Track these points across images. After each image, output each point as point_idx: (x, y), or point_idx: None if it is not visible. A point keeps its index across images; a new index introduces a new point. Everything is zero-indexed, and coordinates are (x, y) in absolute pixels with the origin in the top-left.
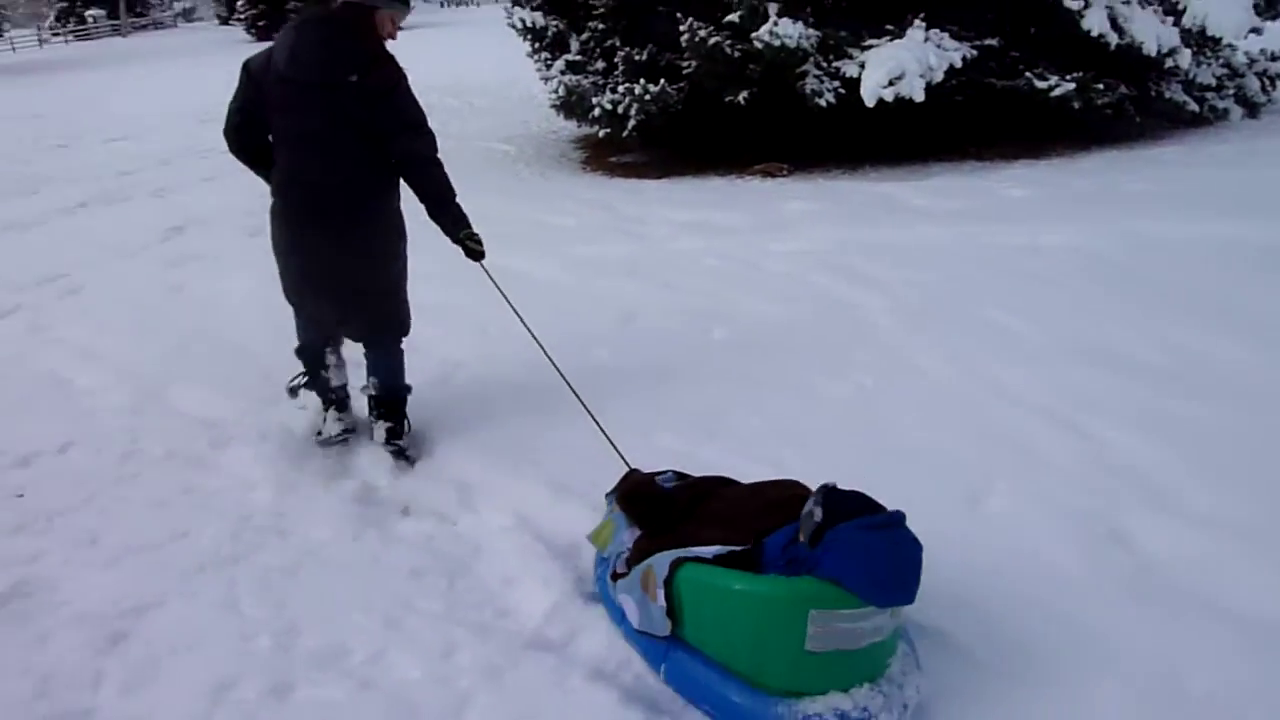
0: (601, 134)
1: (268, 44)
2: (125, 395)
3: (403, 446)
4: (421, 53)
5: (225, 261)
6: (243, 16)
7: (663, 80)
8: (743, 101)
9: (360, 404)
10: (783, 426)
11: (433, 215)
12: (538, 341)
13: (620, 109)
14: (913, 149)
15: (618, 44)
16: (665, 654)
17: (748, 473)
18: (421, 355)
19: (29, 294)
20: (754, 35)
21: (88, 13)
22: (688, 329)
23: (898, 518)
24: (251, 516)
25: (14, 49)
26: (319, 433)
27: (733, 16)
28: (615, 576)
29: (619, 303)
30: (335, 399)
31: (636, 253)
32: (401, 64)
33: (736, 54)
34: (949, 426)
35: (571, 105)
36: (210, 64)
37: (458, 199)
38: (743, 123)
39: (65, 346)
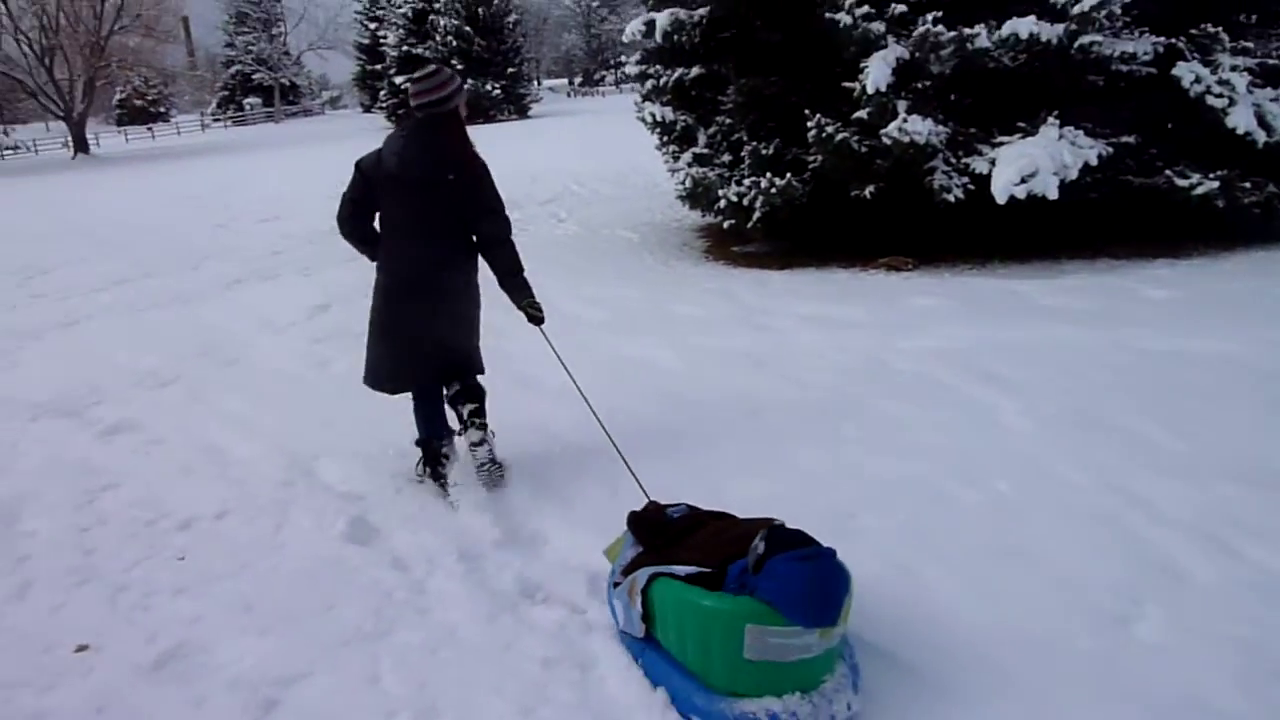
0: (726, 225)
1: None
2: (277, 467)
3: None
4: (550, 140)
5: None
6: (384, 105)
7: (789, 174)
8: (869, 195)
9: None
10: (916, 531)
11: (503, 285)
12: (594, 413)
13: (746, 201)
14: (1043, 245)
15: (744, 138)
16: (642, 651)
17: (879, 576)
18: (549, 437)
19: (190, 364)
20: (882, 131)
21: (246, 101)
22: (814, 425)
23: (827, 552)
24: (393, 593)
25: (179, 133)
26: (447, 475)
27: (861, 113)
28: (615, 585)
29: (743, 395)
30: (443, 480)
31: (760, 344)
32: (530, 150)
33: (864, 149)
34: (1090, 540)
35: (697, 196)
36: (353, 149)
37: (524, 272)
38: (868, 215)
39: (222, 417)
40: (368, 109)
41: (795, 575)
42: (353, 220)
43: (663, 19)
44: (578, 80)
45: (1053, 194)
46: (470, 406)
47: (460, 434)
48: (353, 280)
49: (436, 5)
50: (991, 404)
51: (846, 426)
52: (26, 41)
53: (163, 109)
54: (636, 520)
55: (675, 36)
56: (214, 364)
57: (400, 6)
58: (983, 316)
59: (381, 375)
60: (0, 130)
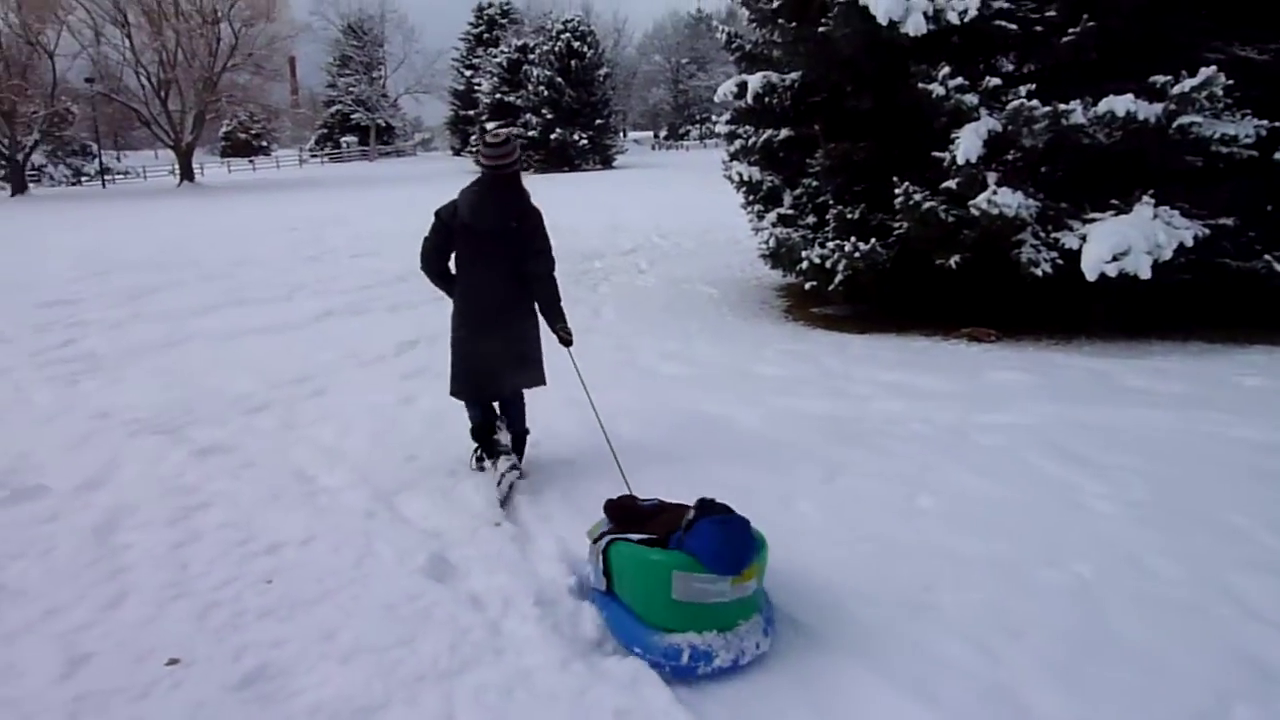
0: (807, 286)
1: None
2: (361, 498)
3: (520, 469)
4: (634, 191)
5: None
6: (474, 149)
7: (873, 239)
8: (953, 265)
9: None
10: (995, 610)
11: (544, 311)
12: (608, 441)
13: (829, 264)
14: (1132, 325)
15: (830, 201)
16: (606, 605)
17: (957, 655)
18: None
19: (282, 391)
20: (971, 202)
21: (343, 139)
22: (891, 494)
23: (741, 519)
24: (469, 631)
25: (278, 166)
26: (507, 475)
27: (950, 183)
28: (589, 553)
29: (821, 459)
30: (503, 451)
31: (838, 409)
32: (614, 201)
33: (951, 219)
34: (1178, 632)
35: (780, 256)
36: (443, 190)
37: (561, 302)
38: (951, 284)
39: (311, 445)
40: (457, 152)
41: (714, 533)
42: (434, 260)
43: (755, 81)
44: (663, 133)
45: (1145, 273)
46: (507, 434)
47: (503, 464)
48: (441, 319)
49: (531, 56)
50: (1075, 485)
51: (924, 498)
52: (145, 74)
53: (264, 143)
54: (610, 505)
55: (766, 99)
56: (304, 393)
57: (496, 56)
58: (1067, 394)
59: (463, 385)
60: (114, 156)
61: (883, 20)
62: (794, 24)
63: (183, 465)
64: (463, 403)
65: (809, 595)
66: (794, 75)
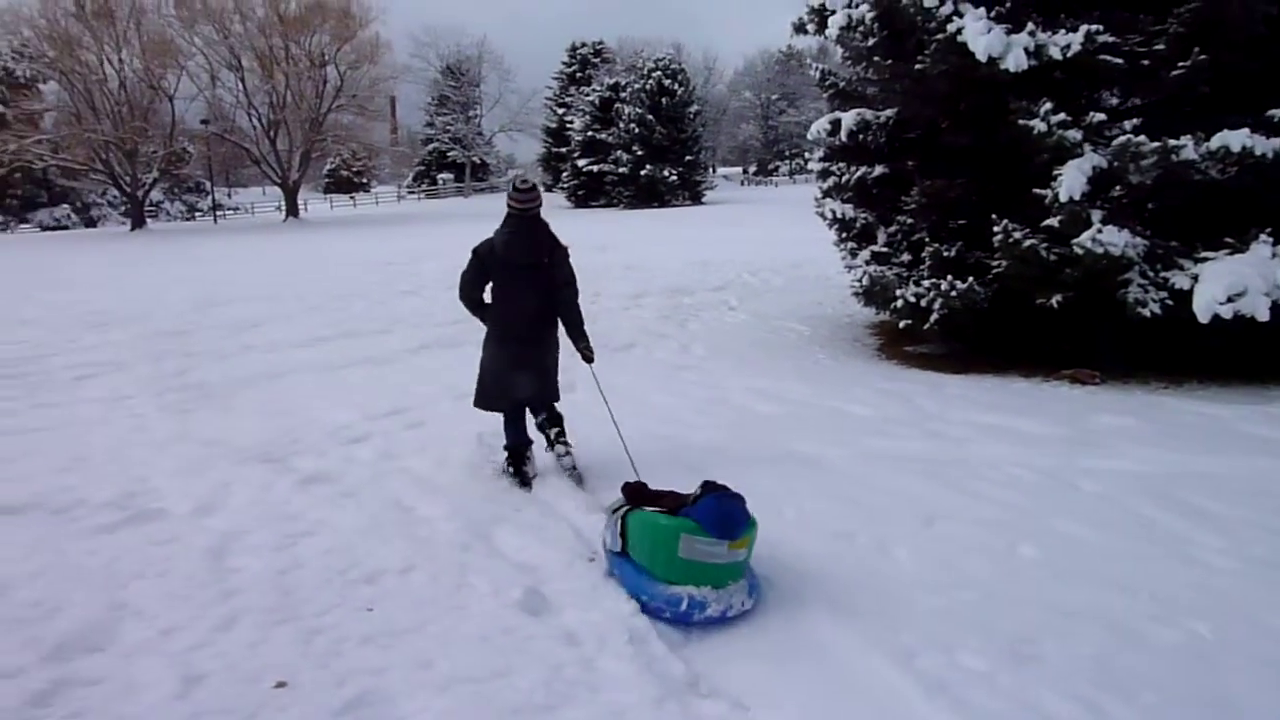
0: (901, 324)
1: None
2: (457, 529)
3: (570, 447)
4: (722, 227)
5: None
6: (565, 186)
7: (970, 278)
8: (1055, 305)
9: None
10: (1103, 667)
11: (570, 331)
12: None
13: (923, 302)
14: (1248, 369)
15: (926, 239)
16: (619, 564)
17: (1061, 712)
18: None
19: (380, 423)
20: (1074, 241)
21: (439, 175)
22: (991, 541)
23: (739, 496)
24: (563, 667)
25: (377, 202)
26: (529, 486)
27: (1051, 221)
28: (607, 524)
29: (916, 502)
30: (528, 479)
31: (934, 451)
32: (702, 237)
33: (1052, 258)
34: None
35: (874, 294)
36: None
37: (584, 324)
38: (1052, 325)
39: (408, 476)
40: (549, 188)
41: (716, 505)
42: (470, 290)
43: (848, 118)
44: (752, 169)
45: (1263, 315)
46: (555, 429)
47: (548, 449)
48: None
49: (623, 94)
50: (1189, 537)
51: (1026, 546)
52: (256, 115)
53: (365, 180)
54: (627, 487)
55: (860, 136)
56: (401, 424)
57: (588, 94)
58: (1179, 441)
59: (490, 398)
60: (226, 193)
61: (981, 56)
62: (889, 61)
63: (288, 493)
64: (504, 424)
65: (908, 646)
66: (889, 112)
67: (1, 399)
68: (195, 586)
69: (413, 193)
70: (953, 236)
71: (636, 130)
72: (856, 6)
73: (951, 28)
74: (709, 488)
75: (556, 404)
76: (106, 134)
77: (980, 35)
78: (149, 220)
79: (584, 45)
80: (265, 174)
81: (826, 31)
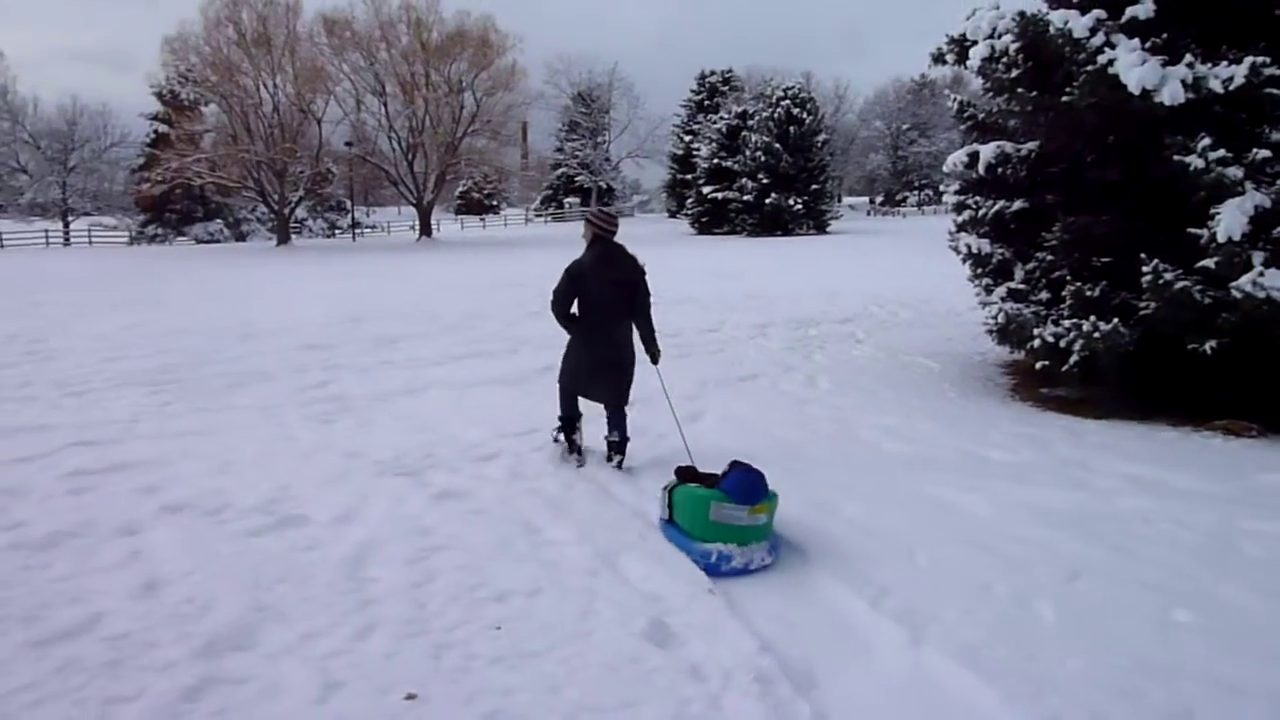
0: (1038, 365)
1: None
2: (584, 554)
3: (622, 456)
4: (848, 258)
5: (666, 443)
6: (690, 212)
7: (1115, 319)
8: (1208, 350)
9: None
10: None
11: (645, 338)
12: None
13: (1063, 343)
14: None
15: (1067, 277)
16: (666, 528)
17: None
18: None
19: (510, 442)
20: (1233, 284)
21: (566, 199)
22: (1142, 603)
23: (759, 472)
24: (689, 703)
25: (505, 224)
26: (579, 464)
27: (1207, 262)
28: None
29: (1059, 556)
30: (578, 448)
31: (1078, 503)
32: (828, 267)
33: (1207, 301)
34: None
35: (1010, 333)
36: (661, 252)
37: (656, 334)
38: (1205, 371)
39: (537, 497)
40: (673, 214)
41: (739, 478)
42: (563, 304)
43: (987, 151)
44: (879, 199)
45: None
46: (616, 436)
47: (609, 460)
48: (657, 383)
49: (750, 122)
50: None
51: (1182, 612)
52: (396, 139)
53: (494, 202)
54: (679, 469)
55: (999, 169)
56: (530, 445)
57: (716, 122)
58: None
59: (577, 385)
60: (364, 211)
61: (1134, 89)
62: (1033, 93)
63: (422, 507)
64: (561, 397)
65: (1054, 710)
66: (1030, 145)
67: (163, 403)
68: (335, 594)
69: (540, 215)
70: (1096, 275)
71: (763, 158)
72: (999, 37)
73: (1102, 59)
74: (736, 465)
75: (626, 407)
76: (259, 154)
77: (1134, 67)
78: (293, 236)
79: (713, 74)
80: (402, 194)
81: (967, 63)
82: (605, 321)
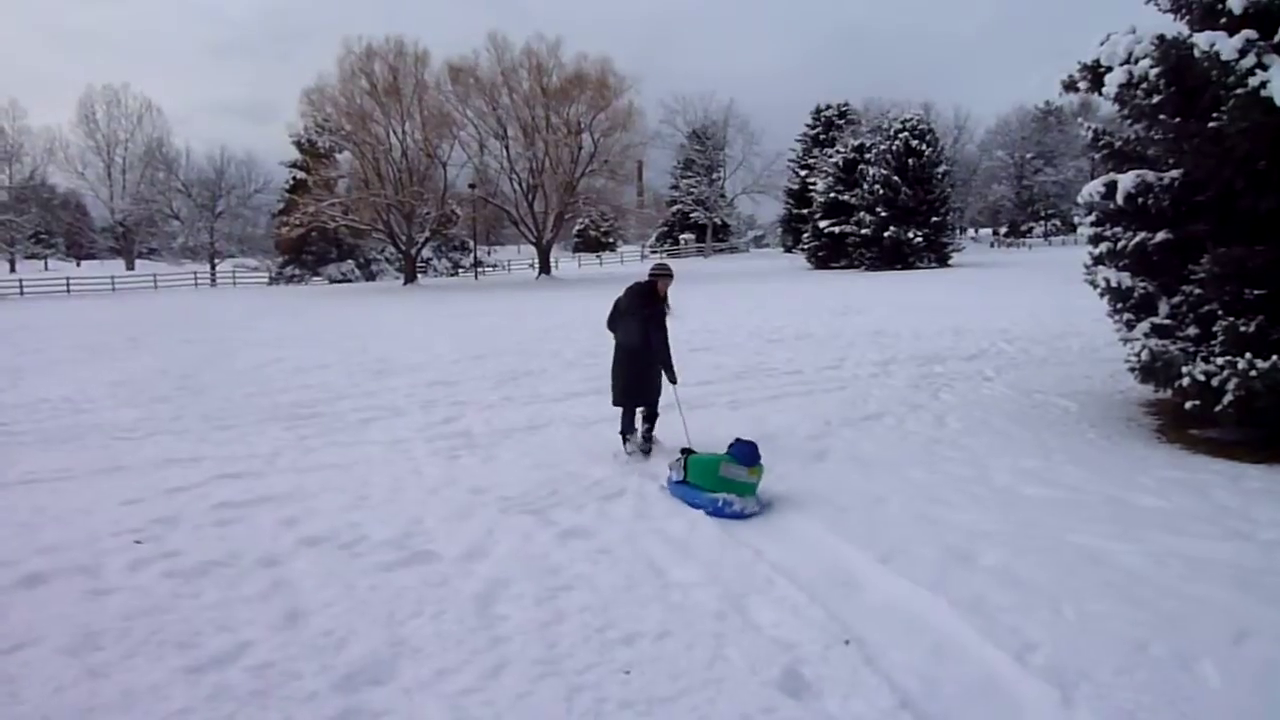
0: (1188, 405)
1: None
2: (710, 596)
3: (651, 443)
4: (974, 293)
5: (792, 483)
6: (806, 247)
7: (1275, 356)
8: None
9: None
10: None
11: (660, 358)
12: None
13: (1215, 381)
14: None
15: (1219, 311)
16: (679, 488)
17: None
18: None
19: (634, 480)
20: None
21: (681, 236)
22: None
23: (751, 441)
24: None
25: (621, 261)
26: (630, 452)
27: None
28: (671, 467)
29: (1226, 614)
30: (636, 441)
31: (1244, 555)
32: (951, 302)
33: None
34: None
35: (1155, 371)
36: (774, 290)
37: (671, 356)
38: None
39: (661, 537)
40: (789, 249)
41: (741, 446)
42: (611, 323)
43: (1126, 181)
44: (1003, 230)
45: None
46: (647, 426)
47: (638, 440)
48: (782, 421)
49: (868, 155)
50: None
51: None
52: (517, 180)
53: (611, 240)
54: (684, 450)
55: (1139, 199)
56: (654, 484)
57: (832, 156)
58: None
59: (619, 397)
60: (486, 251)
61: None
62: (1177, 119)
63: (548, 545)
64: (620, 414)
65: None
66: (1174, 173)
67: (304, 437)
68: (466, 631)
69: (655, 252)
70: (1251, 309)
71: (881, 191)
72: (1137, 62)
73: (1254, 81)
74: (738, 440)
75: (655, 408)
76: (389, 197)
77: None
78: (419, 275)
79: (829, 107)
80: (522, 234)
81: (1103, 90)
82: (631, 340)
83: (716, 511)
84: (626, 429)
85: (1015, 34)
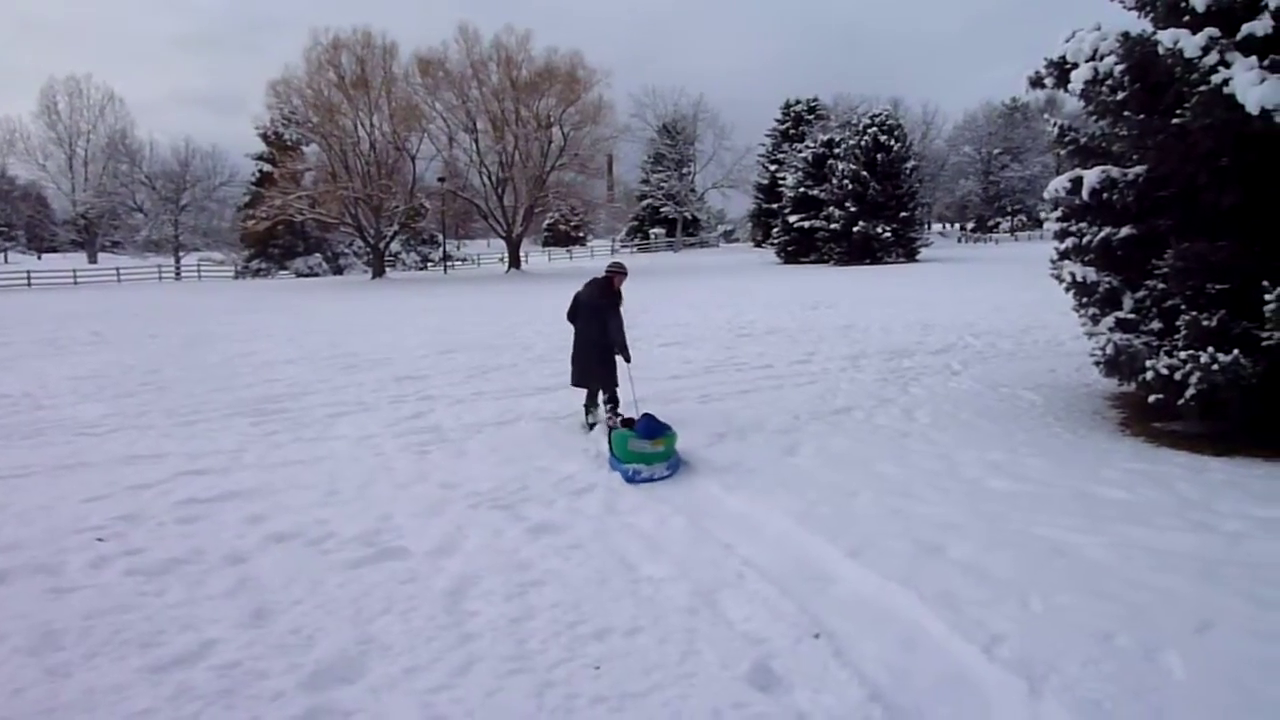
0: (1151, 399)
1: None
2: (681, 592)
3: (618, 414)
4: (942, 288)
5: (762, 477)
6: (775, 241)
7: (1235, 350)
8: None
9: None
10: None
11: (617, 340)
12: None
13: (1178, 375)
14: None
15: (1182, 306)
16: (610, 461)
17: None
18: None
19: (604, 475)
20: None
21: (651, 230)
22: None
23: (653, 418)
24: None
25: (592, 255)
26: (592, 423)
27: None
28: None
29: (1190, 606)
30: (592, 418)
31: (1208, 547)
32: (920, 297)
33: None
34: None
35: (1119, 365)
36: (747, 284)
37: (625, 339)
38: None
39: (631, 531)
40: (758, 244)
41: (643, 423)
42: (571, 316)
43: (1091, 176)
44: (970, 225)
45: None
46: (610, 405)
47: (605, 415)
48: (752, 415)
49: (837, 150)
50: None
51: None
52: (487, 173)
53: (581, 234)
54: (624, 421)
55: (1105, 194)
56: (621, 478)
57: (801, 151)
58: None
59: (577, 378)
60: (455, 245)
61: (1253, 109)
62: (1141, 115)
63: (518, 541)
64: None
65: None
66: (1138, 169)
67: (271, 433)
68: (436, 627)
69: (625, 247)
70: (1214, 304)
71: (850, 186)
72: (1102, 59)
73: (1217, 79)
74: (644, 415)
75: (616, 390)
76: (356, 191)
77: (1252, 86)
78: (387, 269)
79: (798, 102)
80: (492, 228)
81: (1068, 86)
82: (588, 332)
83: (630, 478)
84: (590, 403)
85: (984, 31)
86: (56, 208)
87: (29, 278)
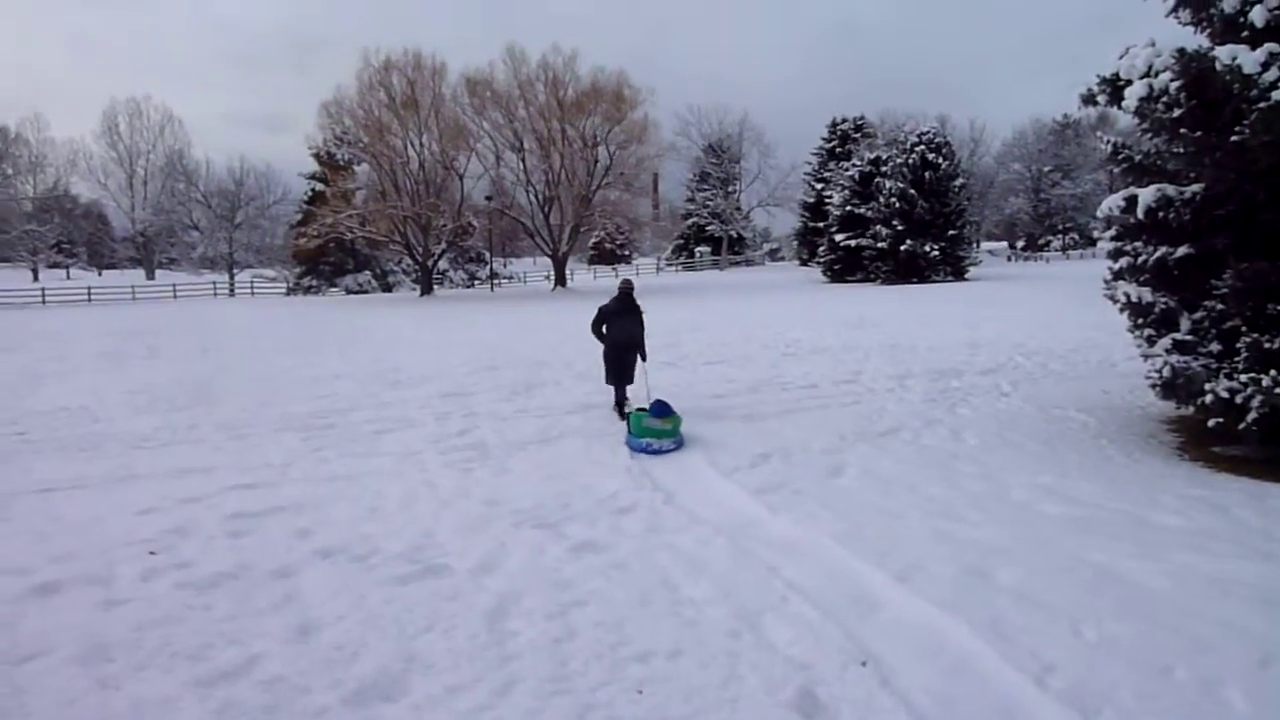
0: (1210, 422)
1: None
2: (724, 614)
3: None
4: (991, 306)
5: (807, 498)
6: (822, 260)
7: None
8: None
9: None
10: None
11: (640, 342)
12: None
13: (1239, 398)
14: None
15: (1242, 327)
16: (627, 439)
17: None
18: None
19: (646, 495)
20: None
21: (697, 249)
22: None
23: (663, 402)
24: None
25: (637, 273)
26: (625, 414)
27: None
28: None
29: (1248, 637)
30: (621, 406)
31: (1267, 576)
32: (968, 316)
33: None
34: None
35: (1176, 387)
36: (789, 303)
37: (646, 344)
38: None
39: (673, 551)
40: (804, 262)
41: (655, 405)
42: (596, 328)
43: (1147, 195)
44: (1019, 244)
45: None
46: (627, 398)
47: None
48: (799, 436)
49: (883, 168)
50: None
51: None
52: (534, 192)
53: (626, 252)
54: (637, 409)
55: (1160, 213)
56: (662, 497)
57: (848, 169)
58: None
59: (611, 378)
60: (502, 263)
61: None
62: (1198, 133)
63: (560, 560)
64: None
65: None
66: (1195, 187)
67: (318, 447)
68: (477, 646)
69: (670, 265)
70: (1275, 325)
71: (897, 205)
72: (1157, 75)
73: (1277, 95)
74: (656, 401)
75: (631, 385)
76: (405, 209)
77: None
78: (435, 287)
79: (844, 121)
80: (538, 245)
81: (1123, 103)
82: (621, 339)
83: (643, 449)
84: (620, 399)
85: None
86: (116, 225)
87: (89, 293)
